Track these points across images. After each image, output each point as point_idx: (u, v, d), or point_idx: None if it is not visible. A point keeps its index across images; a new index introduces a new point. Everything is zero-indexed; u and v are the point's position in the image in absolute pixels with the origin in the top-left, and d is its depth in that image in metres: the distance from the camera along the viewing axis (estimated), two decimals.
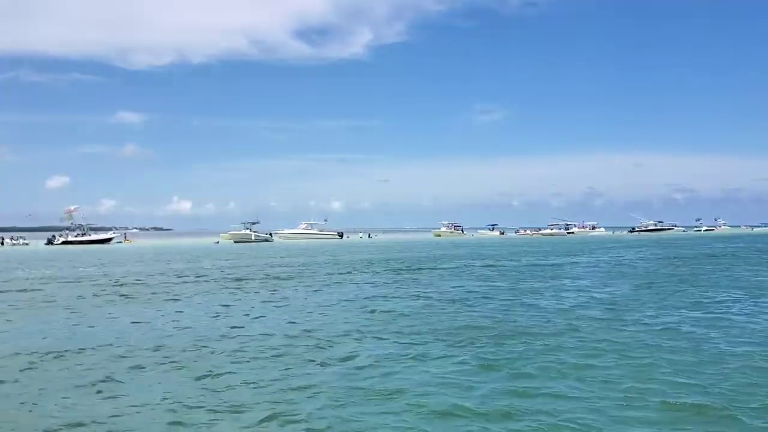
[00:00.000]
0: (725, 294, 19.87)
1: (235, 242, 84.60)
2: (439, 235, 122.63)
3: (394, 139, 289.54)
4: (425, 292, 21.15)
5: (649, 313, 15.71)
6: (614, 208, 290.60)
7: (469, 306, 17.47)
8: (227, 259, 44.38)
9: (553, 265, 35.23)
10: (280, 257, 47.93)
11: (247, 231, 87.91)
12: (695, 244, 70.69)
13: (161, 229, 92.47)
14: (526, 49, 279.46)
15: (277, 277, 28.18)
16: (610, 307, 17.08)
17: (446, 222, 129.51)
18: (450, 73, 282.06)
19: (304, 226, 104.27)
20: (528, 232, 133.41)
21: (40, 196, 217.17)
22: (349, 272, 31.07)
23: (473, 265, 35.40)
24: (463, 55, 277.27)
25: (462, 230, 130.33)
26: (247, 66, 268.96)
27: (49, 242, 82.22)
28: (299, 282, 25.89)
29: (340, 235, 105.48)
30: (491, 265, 34.95)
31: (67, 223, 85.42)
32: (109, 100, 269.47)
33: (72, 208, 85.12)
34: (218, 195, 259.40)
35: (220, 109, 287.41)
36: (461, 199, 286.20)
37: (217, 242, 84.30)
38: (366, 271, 32.02)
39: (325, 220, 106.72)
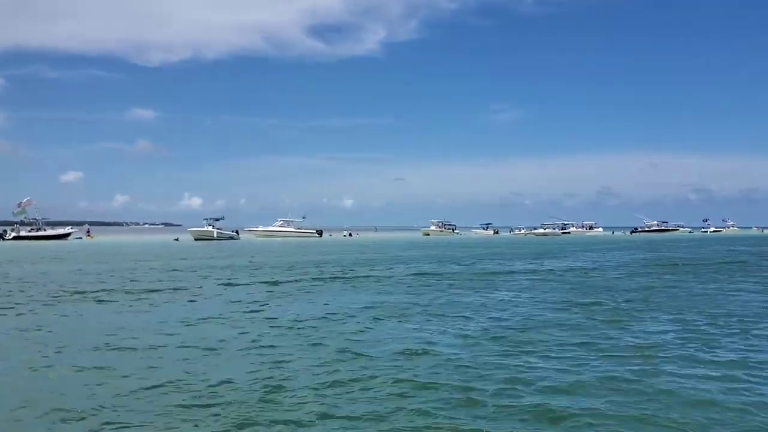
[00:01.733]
0: (674, 326, 13.62)
1: (195, 239, 78.72)
2: (428, 234, 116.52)
3: (409, 137, 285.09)
4: (269, 315, 15.07)
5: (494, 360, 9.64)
6: (627, 209, 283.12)
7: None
8: (162, 260, 38.44)
9: (500, 272, 29.02)
10: (208, 258, 41.98)
11: (209, 228, 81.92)
12: (692, 246, 64.23)
13: (171, 224, 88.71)
14: (540, 48, 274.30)
15: (148, 290, 22.14)
16: (467, 344, 11.20)
17: (436, 220, 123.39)
18: (464, 72, 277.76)
19: (280, 223, 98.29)
20: (522, 231, 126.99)
21: (55, 191, 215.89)
22: (250, 281, 25.02)
23: (406, 272, 29.30)
24: (477, 53, 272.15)
25: (453, 229, 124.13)
26: (260, 63, 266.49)
27: (0, 237, 76.76)
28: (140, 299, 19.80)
29: (319, 233, 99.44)
30: (422, 274, 28.71)
31: (20, 218, 79.80)
32: (124, 96, 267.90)
33: (24, 201, 79.39)
34: (229, 192, 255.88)
35: (234, 106, 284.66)
36: (475, 198, 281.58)
37: (177, 239, 78.50)
38: (276, 278, 25.84)
39: (303, 218, 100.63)
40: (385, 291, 20.75)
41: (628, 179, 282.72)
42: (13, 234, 77.43)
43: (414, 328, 13.25)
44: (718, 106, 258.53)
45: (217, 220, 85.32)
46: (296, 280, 24.62)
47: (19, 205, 79.58)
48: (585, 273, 28.75)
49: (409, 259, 40.60)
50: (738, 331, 12.98)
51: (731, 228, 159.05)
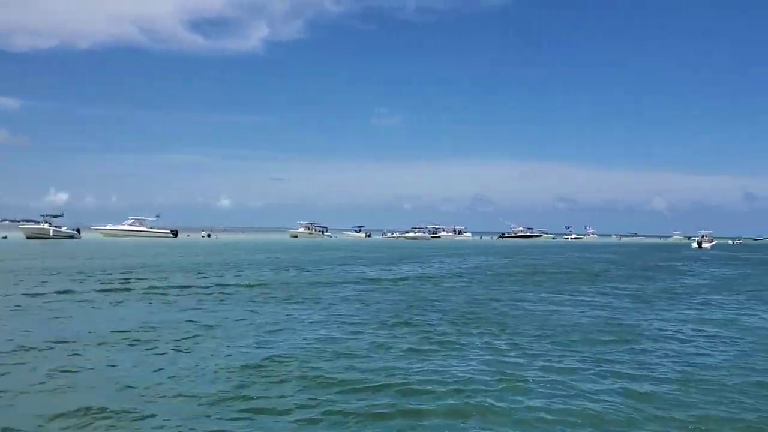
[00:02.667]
0: (484, 354, 10.67)
1: (28, 238, 70.33)
2: (296, 236, 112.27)
3: (289, 137, 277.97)
4: None
5: None
6: (501, 215, 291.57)
7: None
8: None
9: (337, 282, 25.67)
10: (32, 259, 35.82)
11: (44, 225, 73.58)
12: (550, 252, 64.32)
13: (31, 220, 79.77)
14: (421, 55, 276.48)
15: None
16: None
17: (305, 222, 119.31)
18: (348, 75, 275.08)
19: (131, 221, 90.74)
20: (395, 235, 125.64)
21: None
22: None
23: (227, 281, 25.25)
24: (362, 57, 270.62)
25: (323, 231, 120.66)
26: (137, 55, 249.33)
27: None
28: None
29: (174, 234, 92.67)
30: (236, 286, 24.84)
31: None
32: None
33: None
34: (100, 188, 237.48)
35: (107, 99, 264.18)
36: (358, 201, 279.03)
37: (5, 237, 69.71)
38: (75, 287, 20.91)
39: (158, 216, 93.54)
40: (170, 306, 16.63)
41: (501, 186, 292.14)
42: None
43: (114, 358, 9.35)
44: (586, 121, 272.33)
45: (55, 216, 77.06)
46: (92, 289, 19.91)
47: None
48: (429, 281, 25.91)
49: (251, 263, 36.39)
50: (556, 363, 10.12)
51: (591, 235, 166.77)
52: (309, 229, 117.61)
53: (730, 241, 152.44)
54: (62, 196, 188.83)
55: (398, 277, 27.88)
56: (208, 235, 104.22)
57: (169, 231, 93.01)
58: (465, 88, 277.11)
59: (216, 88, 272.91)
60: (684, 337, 12.98)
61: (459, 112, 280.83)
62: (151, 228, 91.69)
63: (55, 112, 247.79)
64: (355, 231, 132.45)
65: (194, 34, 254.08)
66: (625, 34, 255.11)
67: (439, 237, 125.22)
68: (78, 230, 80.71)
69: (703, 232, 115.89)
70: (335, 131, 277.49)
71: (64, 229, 77.44)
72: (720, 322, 15.37)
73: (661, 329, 13.98)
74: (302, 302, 17.74)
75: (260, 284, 22.84)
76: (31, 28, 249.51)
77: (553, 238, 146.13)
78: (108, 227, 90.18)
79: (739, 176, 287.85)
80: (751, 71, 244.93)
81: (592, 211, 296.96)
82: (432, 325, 13.91)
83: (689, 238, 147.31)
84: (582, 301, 19.59)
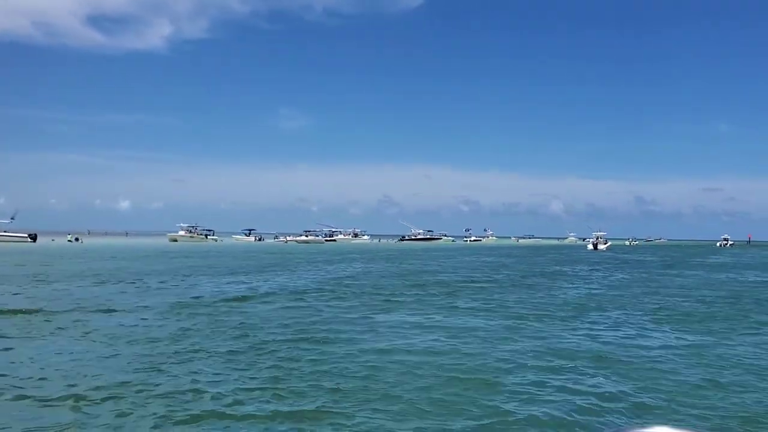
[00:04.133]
0: None
1: None
2: (175, 240, 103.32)
3: (192, 138, 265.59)
4: None
5: None
6: (405, 217, 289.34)
7: None
8: None
9: (116, 309, 19.33)
10: None
11: None
12: (439, 256, 59.77)
13: None
14: (328, 58, 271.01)
15: None
16: None
17: (185, 225, 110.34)
18: (253, 76, 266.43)
19: None
20: (289, 238, 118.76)
21: None
22: None
23: None
24: (267, 57, 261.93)
25: (207, 235, 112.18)
26: (28, 50, 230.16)
27: None
28: None
29: (33, 238, 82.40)
30: None
31: None
32: None
33: None
34: None
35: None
36: (262, 203, 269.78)
37: None
38: None
39: (12, 218, 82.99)
40: None
41: (406, 189, 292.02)
42: None
43: None
44: (492, 125, 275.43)
45: None
46: None
47: None
48: (244, 303, 19.99)
49: (59, 275, 29.26)
50: None
51: (490, 237, 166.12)
52: (191, 232, 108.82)
53: (627, 242, 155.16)
54: None
55: (226, 293, 21.79)
56: (76, 239, 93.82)
57: (26, 235, 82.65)
58: (372, 93, 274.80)
59: (116, 87, 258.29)
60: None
61: (368, 115, 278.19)
62: (4, 232, 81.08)
63: None
64: (245, 234, 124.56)
65: (93, 30, 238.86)
66: (529, 37, 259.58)
67: (334, 240, 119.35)
68: None
69: (597, 233, 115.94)
70: (240, 133, 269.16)
71: None
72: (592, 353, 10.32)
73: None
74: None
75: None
76: None
77: (453, 241, 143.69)
78: None
79: (630, 181, 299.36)
80: (639, 82, 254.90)
81: (495, 215, 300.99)
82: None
83: (584, 239, 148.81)
84: (415, 324, 14.25)
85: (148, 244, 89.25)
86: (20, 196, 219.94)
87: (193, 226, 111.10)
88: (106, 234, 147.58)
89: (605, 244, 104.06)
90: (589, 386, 9.10)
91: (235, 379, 9.36)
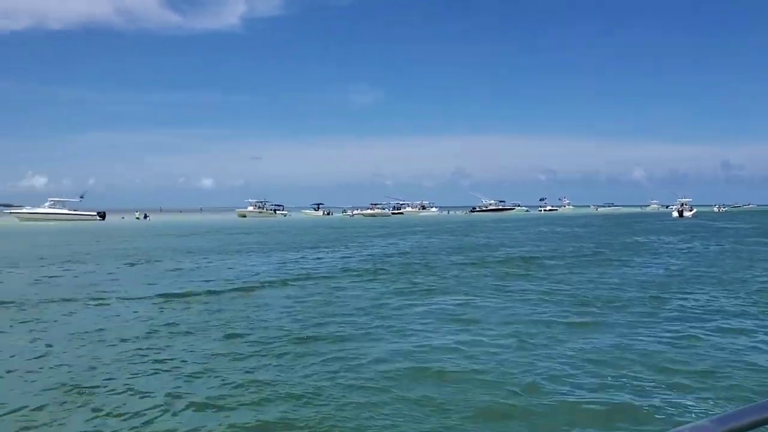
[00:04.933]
0: None
1: None
2: (244, 216, 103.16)
3: (268, 116, 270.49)
4: None
5: None
6: (480, 188, 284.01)
7: None
8: None
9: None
10: None
11: None
12: (510, 227, 56.05)
13: (9, 205, 73.66)
14: (399, 30, 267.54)
15: None
16: None
17: (254, 200, 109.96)
18: (326, 51, 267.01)
19: (49, 203, 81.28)
20: (356, 211, 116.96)
21: None
22: None
23: None
24: (338, 32, 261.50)
25: (276, 210, 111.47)
26: (111, 34, 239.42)
27: None
28: None
29: (102, 216, 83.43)
30: None
31: None
32: None
33: None
34: (77, 170, 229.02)
35: (82, 80, 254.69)
36: (337, 178, 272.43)
37: None
38: None
39: (81, 197, 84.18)
40: None
41: (480, 160, 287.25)
42: None
43: None
44: (561, 92, 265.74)
45: None
46: None
47: None
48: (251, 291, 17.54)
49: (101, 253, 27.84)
50: None
51: (567, 207, 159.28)
52: (260, 208, 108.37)
53: (714, 209, 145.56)
54: (41, 179, 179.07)
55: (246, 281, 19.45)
56: (145, 216, 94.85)
57: (95, 213, 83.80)
58: (447, 64, 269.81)
59: (194, 67, 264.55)
60: None
61: (441, 87, 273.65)
62: (74, 210, 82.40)
63: (29, 94, 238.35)
64: (314, 209, 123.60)
65: (169, 11, 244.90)
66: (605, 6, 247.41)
67: (401, 213, 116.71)
68: None
69: (681, 199, 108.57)
70: (314, 109, 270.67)
71: None
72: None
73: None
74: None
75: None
76: (3, 9, 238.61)
77: (527, 211, 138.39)
78: (24, 210, 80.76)
79: (716, 145, 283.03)
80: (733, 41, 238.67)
81: (572, 183, 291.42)
82: None
83: (667, 206, 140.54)
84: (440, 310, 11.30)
85: (215, 220, 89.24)
86: (108, 176, 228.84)
87: (261, 202, 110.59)
88: (180, 211, 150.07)
89: (690, 211, 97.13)
90: None
91: (209, 388, 6.85)
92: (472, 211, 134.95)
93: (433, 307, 12.83)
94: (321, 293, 14.86)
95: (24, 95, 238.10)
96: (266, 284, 16.74)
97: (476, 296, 14.27)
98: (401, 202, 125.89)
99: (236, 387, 7.38)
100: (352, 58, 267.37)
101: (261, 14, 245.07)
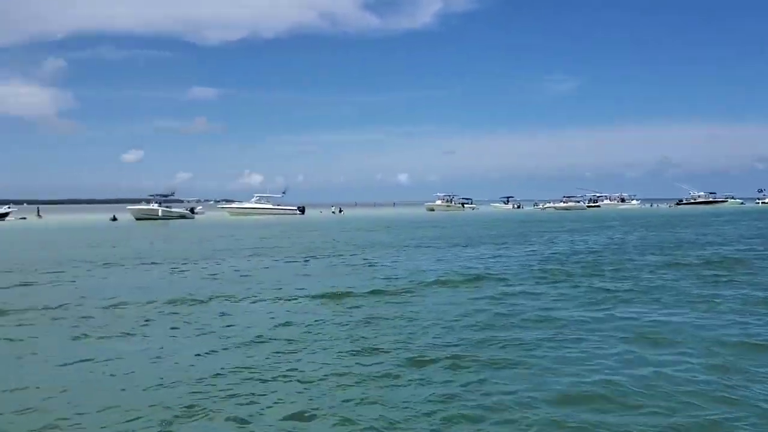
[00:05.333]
0: None
1: (137, 219, 68.39)
2: (432, 210, 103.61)
3: (461, 109, 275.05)
4: None
5: None
6: (689, 179, 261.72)
7: None
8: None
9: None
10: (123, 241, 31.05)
11: (154, 206, 71.18)
12: (723, 222, 49.74)
13: (231, 201, 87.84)
14: (598, 15, 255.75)
15: None
16: None
17: (441, 194, 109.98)
18: (520, 41, 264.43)
19: (255, 199, 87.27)
20: (549, 205, 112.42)
21: (117, 170, 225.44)
22: None
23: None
24: (534, 22, 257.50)
25: (464, 204, 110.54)
26: (316, 39, 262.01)
27: None
28: None
29: (302, 211, 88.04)
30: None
31: None
32: (184, 75, 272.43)
33: None
34: (288, 168, 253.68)
35: (290, 83, 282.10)
36: (530, 171, 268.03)
37: (114, 218, 68.25)
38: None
39: (284, 193, 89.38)
40: None
41: (688, 149, 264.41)
42: None
43: None
44: None
45: (165, 196, 74.86)
46: None
47: None
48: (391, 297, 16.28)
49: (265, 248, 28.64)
50: None
51: None
52: (446, 201, 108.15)
53: None
54: (257, 177, 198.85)
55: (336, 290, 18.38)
56: (339, 211, 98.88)
57: (295, 208, 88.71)
58: (643, 50, 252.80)
59: (390, 65, 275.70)
60: None
61: (636, 75, 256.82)
62: (278, 205, 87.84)
63: (243, 100, 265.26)
64: (503, 202, 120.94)
65: (369, 14, 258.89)
66: None
67: (598, 206, 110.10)
68: (192, 210, 78.58)
69: None
70: (505, 100, 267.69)
71: (176, 209, 75.41)
72: None
73: None
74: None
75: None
76: (221, 22, 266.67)
77: (741, 203, 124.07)
78: (234, 205, 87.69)
79: None
80: None
81: None
82: None
83: None
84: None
85: (404, 214, 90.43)
86: (313, 173, 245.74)
87: (449, 196, 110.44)
88: (374, 205, 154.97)
89: None
90: None
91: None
92: (678, 204, 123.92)
93: (618, 321, 10.75)
94: (490, 298, 13.29)
95: (240, 101, 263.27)
96: (433, 284, 15.49)
97: (673, 308, 11.88)
98: (598, 195, 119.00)
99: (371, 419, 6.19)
100: (547, 48, 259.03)
101: (456, 9, 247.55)
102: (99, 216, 76.87)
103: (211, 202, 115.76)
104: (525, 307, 12.06)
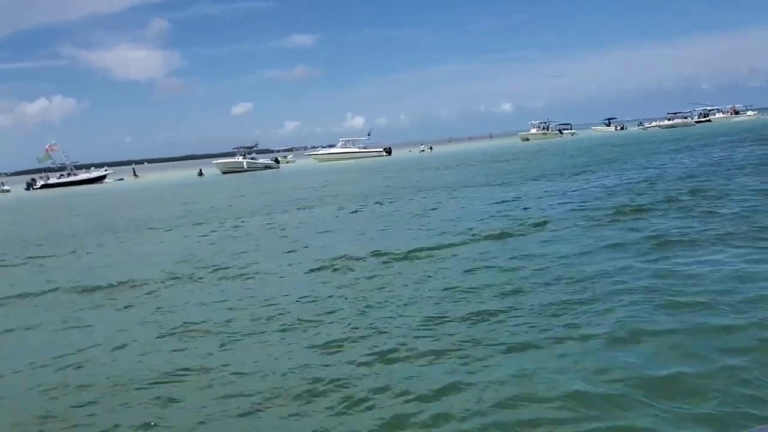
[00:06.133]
0: None
1: (223, 173, 69.09)
2: (527, 139, 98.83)
3: (567, 28, 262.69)
4: None
5: None
6: None
7: None
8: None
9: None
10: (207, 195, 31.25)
11: (239, 159, 71.47)
12: None
13: (333, 145, 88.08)
14: None
15: None
16: None
17: (536, 122, 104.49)
18: None
19: (341, 143, 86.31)
20: (654, 124, 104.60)
21: (228, 123, 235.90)
22: None
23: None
24: None
25: (562, 130, 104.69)
26: None
27: (29, 186, 72.16)
28: None
29: (388, 152, 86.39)
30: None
31: (45, 163, 74.56)
32: (281, 24, 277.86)
33: (48, 145, 73.75)
34: (388, 107, 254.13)
35: (383, 20, 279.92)
36: (646, 87, 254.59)
37: (201, 174, 69.27)
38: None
39: (369, 135, 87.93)
40: None
41: None
42: (41, 182, 72.39)
43: None
44: None
45: (249, 149, 75.13)
46: None
47: (47, 150, 74.16)
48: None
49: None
50: None
51: None
52: (542, 129, 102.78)
53: None
54: (359, 120, 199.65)
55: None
56: (430, 148, 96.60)
57: (381, 149, 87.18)
58: None
59: None
60: None
61: None
62: (363, 148, 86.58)
63: (339, 42, 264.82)
64: (605, 125, 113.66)
65: None
66: None
67: (709, 121, 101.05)
68: (277, 160, 78.66)
69: None
70: (613, 11, 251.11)
71: (261, 160, 75.59)
72: None
73: None
74: None
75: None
76: None
77: None
78: (320, 152, 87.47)
79: None
80: None
81: None
82: None
83: None
84: None
85: (497, 145, 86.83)
86: (415, 110, 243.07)
87: (545, 122, 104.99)
88: (470, 138, 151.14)
89: None
90: None
91: None
92: None
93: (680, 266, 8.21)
94: (520, 255, 10.89)
95: (336, 44, 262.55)
96: (469, 240, 13.12)
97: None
98: (709, 108, 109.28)
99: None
100: None
101: None
102: (191, 172, 78.55)
103: (305, 150, 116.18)
104: (561, 262, 9.61)
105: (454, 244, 12.07)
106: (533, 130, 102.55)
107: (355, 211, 20.26)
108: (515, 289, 8.25)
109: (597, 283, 8.15)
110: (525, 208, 16.83)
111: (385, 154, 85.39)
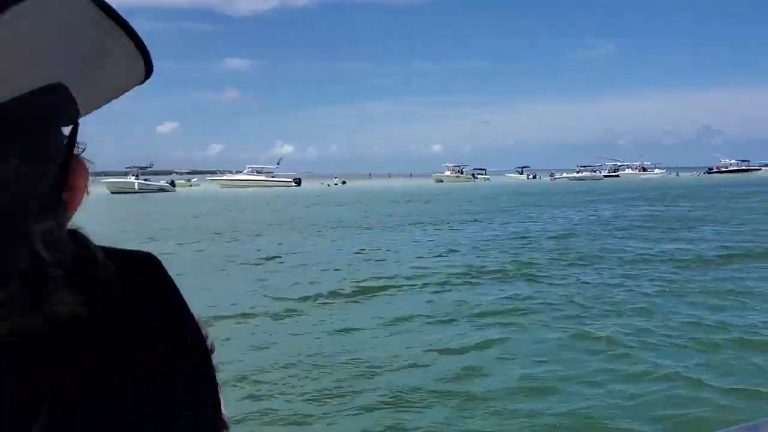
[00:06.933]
0: None
1: (112, 193, 64.31)
2: (441, 181, 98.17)
3: (496, 79, 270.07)
4: None
5: None
6: (734, 146, 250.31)
7: None
8: None
9: None
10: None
11: (130, 179, 66.93)
12: (741, 195, 43.63)
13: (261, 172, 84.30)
14: None
15: None
16: None
17: (451, 165, 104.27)
18: (553, 8, 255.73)
19: (247, 170, 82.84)
20: (564, 175, 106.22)
21: (152, 141, 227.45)
22: None
23: None
24: None
25: (475, 175, 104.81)
26: (346, 7, 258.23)
27: None
28: None
29: (297, 182, 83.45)
30: None
31: None
32: (216, 47, 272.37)
33: None
34: (320, 139, 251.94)
35: (322, 54, 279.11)
36: (564, 139, 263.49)
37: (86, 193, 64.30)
38: None
39: (278, 164, 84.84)
40: None
41: (737, 116, 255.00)
42: None
43: None
44: None
45: (143, 168, 70.66)
46: None
47: None
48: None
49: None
50: None
51: None
52: (456, 172, 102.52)
53: None
54: (288, 148, 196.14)
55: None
56: (343, 183, 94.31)
57: (291, 180, 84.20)
58: (680, 12, 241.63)
59: (421, 34, 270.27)
60: None
61: (677, 39, 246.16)
62: (272, 176, 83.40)
63: (275, 70, 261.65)
64: (518, 172, 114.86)
65: None
66: None
67: (617, 176, 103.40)
68: (172, 183, 74.46)
69: None
70: (541, 68, 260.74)
71: (158, 183, 71.26)
72: None
73: None
74: None
75: None
76: None
77: None
78: (225, 177, 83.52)
79: None
80: None
81: None
82: None
83: None
84: None
85: (408, 185, 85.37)
86: (347, 144, 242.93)
87: (459, 166, 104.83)
88: (389, 175, 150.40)
89: None
90: None
91: None
92: (708, 173, 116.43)
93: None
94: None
95: (272, 72, 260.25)
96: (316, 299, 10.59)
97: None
98: (619, 164, 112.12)
99: None
100: (581, 13, 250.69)
101: None
102: None
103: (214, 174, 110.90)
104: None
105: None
106: (447, 173, 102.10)
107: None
108: None
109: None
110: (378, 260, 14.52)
111: (294, 184, 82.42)
